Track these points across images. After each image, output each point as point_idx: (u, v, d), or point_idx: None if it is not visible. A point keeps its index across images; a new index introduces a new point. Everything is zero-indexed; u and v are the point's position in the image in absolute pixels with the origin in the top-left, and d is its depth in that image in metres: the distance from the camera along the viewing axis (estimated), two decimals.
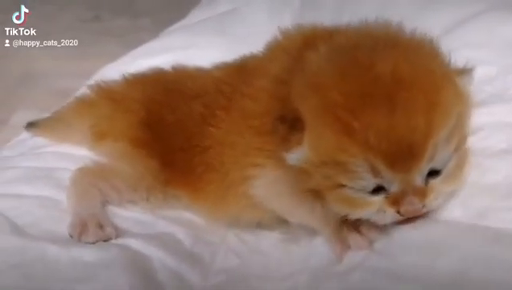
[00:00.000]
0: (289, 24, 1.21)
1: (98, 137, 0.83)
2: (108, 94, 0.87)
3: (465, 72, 0.59)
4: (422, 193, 0.53)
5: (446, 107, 0.52)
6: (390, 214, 0.55)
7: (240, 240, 0.74)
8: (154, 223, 0.73)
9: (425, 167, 0.52)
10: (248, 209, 0.70)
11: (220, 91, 0.74)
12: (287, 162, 0.59)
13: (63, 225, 0.68)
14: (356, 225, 0.59)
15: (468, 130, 0.58)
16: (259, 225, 0.74)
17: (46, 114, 0.97)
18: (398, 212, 0.54)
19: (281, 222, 0.72)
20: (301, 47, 0.65)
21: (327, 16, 1.13)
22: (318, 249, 0.66)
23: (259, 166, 0.65)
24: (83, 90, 1.01)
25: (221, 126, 0.71)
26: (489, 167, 0.60)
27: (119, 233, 0.68)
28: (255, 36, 1.20)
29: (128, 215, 0.74)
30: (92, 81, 1.08)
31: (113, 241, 0.66)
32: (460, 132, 0.54)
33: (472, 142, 0.62)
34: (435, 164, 0.53)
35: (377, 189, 0.54)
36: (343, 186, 0.54)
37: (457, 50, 0.68)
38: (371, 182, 0.53)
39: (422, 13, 0.90)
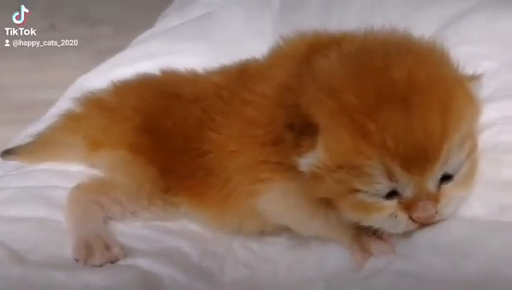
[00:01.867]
0: (269, 26, 1.24)
1: (94, 147, 0.79)
2: (99, 104, 0.84)
3: (474, 78, 0.60)
4: (434, 198, 0.53)
5: (460, 111, 0.53)
6: (402, 220, 0.54)
7: (246, 249, 0.72)
8: (158, 238, 0.71)
9: (439, 171, 0.52)
10: (249, 217, 0.69)
11: (219, 96, 0.73)
12: (299, 168, 0.57)
13: (65, 248, 0.65)
14: (375, 232, 0.58)
15: (478, 137, 0.58)
16: (263, 233, 0.73)
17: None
18: (411, 218, 0.54)
19: (285, 229, 0.70)
20: (306, 53, 0.65)
21: (311, 18, 1.13)
22: (332, 254, 0.64)
23: (266, 180, 0.64)
24: (63, 104, 0.97)
25: (221, 132, 0.70)
26: (506, 163, 0.60)
27: (126, 252, 0.65)
28: (235, 40, 1.21)
29: (130, 231, 0.71)
30: (69, 93, 1.06)
31: (121, 262, 0.64)
32: (471, 138, 0.55)
33: (486, 137, 0.62)
34: (449, 169, 0.53)
35: (391, 194, 0.54)
36: (356, 191, 0.54)
37: (456, 46, 0.67)
38: (386, 186, 0.53)
39: (413, 11, 0.90)
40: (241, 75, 0.74)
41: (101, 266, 0.62)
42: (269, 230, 0.72)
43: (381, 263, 0.57)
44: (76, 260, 0.63)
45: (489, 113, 0.64)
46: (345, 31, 0.68)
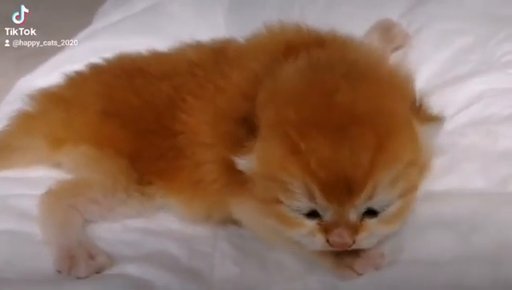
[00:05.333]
0: (221, 20, 1.20)
1: (55, 144, 0.74)
2: (54, 97, 0.78)
3: (436, 119, 0.57)
4: (354, 229, 0.52)
5: (395, 152, 0.51)
6: (319, 241, 0.53)
7: (231, 245, 0.69)
8: (142, 241, 0.66)
9: (361, 205, 0.51)
10: (218, 207, 0.67)
11: (192, 74, 0.70)
12: (236, 166, 0.57)
13: (42, 261, 0.59)
14: (356, 252, 0.56)
15: (420, 182, 0.56)
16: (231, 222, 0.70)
17: None
18: (328, 241, 0.53)
19: None
20: (284, 50, 0.64)
21: (266, 11, 1.10)
22: None
23: (236, 193, 0.62)
24: (6, 108, 0.89)
25: (193, 114, 0.67)
26: (500, 134, 0.60)
27: (111, 259, 0.60)
28: (185, 33, 1.16)
29: (111, 237, 0.66)
30: (12, 97, 0.98)
31: (108, 271, 0.58)
32: (407, 180, 0.53)
33: (476, 111, 0.62)
34: (373, 205, 0.52)
35: (312, 213, 0.53)
36: (280, 202, 0.54)
37: (428, 25, 0.67)
38: (306, 205, 0.52)
39: None
40: (218, 56, 0.71)
41: (86, 277, 0.57)
42: (233, 220, 0.69)
43: (389, 255, 0.55)
44: (59, 272, 0.58)
45: (475, 87, 0.64)
46: (329, 31, 0.67)
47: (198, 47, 0.77)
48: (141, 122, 0.70)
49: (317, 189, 0.50)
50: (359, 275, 0.55)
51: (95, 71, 0.80)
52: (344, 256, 0.56)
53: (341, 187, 0.50)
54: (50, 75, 0.97)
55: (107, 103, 0.73)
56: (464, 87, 0.66)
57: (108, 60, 0.81)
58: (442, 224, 0.55)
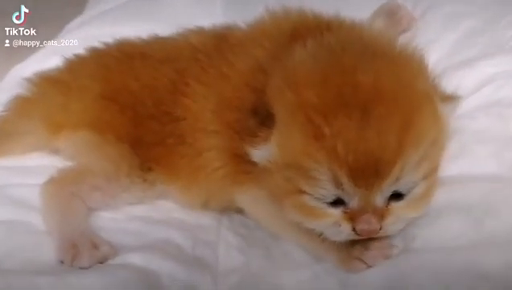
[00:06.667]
0: (218, 5, 1.17)
1: (54, 129, 0.72)
2: (53, 80, 0.76)
3: (451, 99, 0.56)
4: (381, 214, 0.50)
5: (421, 130, 0.50)
6: (344, 230, 0.51)
7: (236, 234, 0.68)
8: (145, 231, 0.65)
9: (388, 188, 0.50)
10: (218, 195, 0.66)
11: (195, 59, 0.68)
12: (251, 158, 0.55)
13: (44, 251, 0.58)
14: (364, 244, 0.54)
15: (440, 161, 0.55)
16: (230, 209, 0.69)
17: None
18: (354, 229, 0.51)
19: None
20: (288, 36, 0.62)
21: None
22: None
23: (240, 183, 0.61)
24: (1, 95, 0.87)
25: (196, 100, 0.65)
26: None
27: (115, 249, 0.58)
28: (182, 19, 1.13)
29: (114, 226, 0.65)
30: (6, 84, 0.95)
31: (111, 261, 0.57)
32: (431, 160, 0.52)
33: (487, 93, 0.60)
34: (400, 187, 0.50)
35: (337, 202, 0.51)
36: (302, 192, 0.52)
37: (434, 6, 0.66)
38: (331, 193, 0.50)
39: None
40: (221, 41, 0.69)
41: (89, 267, 0.55)
42: (235, 208, 0.68)
43: (401, 243, 0.54)
44: (62, 262, 0.56)
45: (485, 70, 0.63)
46: (333, 15, 0.66)
47: (200, 32, 0.75)
48: (141, 107, 0.69)
49: (345, 174, 0.48)
50: (369, 267, 0.53)
51: (95, 54, 0.78)
52: (352, 249, 0.54)
53: (369, 170, 0.48)
54: (45, 62, 0.94)
55: (106, 87, 0.71)
56: (474, 70, 0.65)
57: (108, 44, 0.79)
58: (454, 209, 0.54)
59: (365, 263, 0.53)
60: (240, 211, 0.68)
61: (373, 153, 0.47)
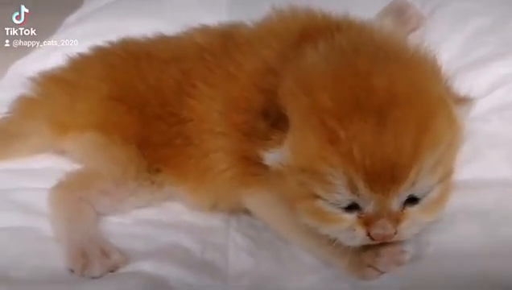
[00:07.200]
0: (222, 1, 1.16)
1: (60, 130, 0.71)
2: (57, 80, 0.75)
3: (465, 101, 0.56)
4: (396, 219, 0.50)
5: (437, 133, 0.49)
6: (359, 235, 0.51)
7: (245, 236, 0.68)
8: (154, 235, 0.64)
9: (404, 193, 0.49)
10: (227, 197, 0.66)
11: (201, 59, 0.68)
12: (263, 161, 0.54)
13: (52, 258, 0.57)
14: (375, 250, 0.54)
15: (454, 164, 0.54)
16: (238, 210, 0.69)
17: None
18: (369, 234, 0.50)
19: None
20: (298, 36, 0.61)
21: None
22: None
23: (248, 184, 0.61)
24: (2, 94, 0.85)
25: (202, 101, 0.64)
26: None
27: (125, 256, 0.58)
28: (184, 14, 1.12)
29: (123, 231, 0.64)
30: (7, 82, 0.95)
31: (122, 269, 0.56)
32: (446, 164, 0.51)
33: (500, 95, 0.60)
34: (416, 192, 0.50)
35: (351, 207, 0.50)
36: (316, 197, 0.51)
37: (443, 4, 0.65)
38: (347, 198, 0.50)
39: None
40: (227, 40, 0.68)
41: (100, 276, 0.54)
42: (243, 208, 0.67)
43: (415, 249, 0.54)
44: (72, 271, 0.55)
45: (497, 71, 0.62)
46: (343, 16, 0.65)
47: (205, 31, 0.74)
48: (147, 108, 0.68)
49: (361, 179, 0.47)
50: (382, 273, 0.53)
51: (99, 53, 0.77)
52: (364, 255, 0.54)
53: (386, 174, 0.47)
54: (46, 58, 0.94)
55: (113, 87, 0.70)
56: (486, 71, 0.64)
57: (112, 43, 0.78)
58: (468, 215, 0.53)
59: (378, 269, 0.53)
60: (248, 212, 0.67)
61: (389, 157, 0.47)
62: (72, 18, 1.22)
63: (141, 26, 1.00)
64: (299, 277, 0.59)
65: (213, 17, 1.02)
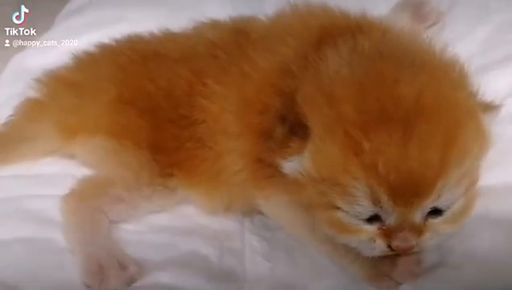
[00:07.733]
0: None
1: (68, 134, 0.69)
2: (64, 81, 0.72)
3: (491, 108, 0.54)
4: (418, 231, 0.49)
5: (464, 147, 0.48)
6: (379, 246, 0.50)
7: (260, 238, 0.66)
8: (170, 243, 0.62)
9: (428, 206, 0.48)
10: (241, 198, 0.64)
11: (213, 56, 0.65)
12: (281, 169, 0.53)
13: (66, 270, 0.56)
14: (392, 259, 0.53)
15: (480, 173, 0.53)
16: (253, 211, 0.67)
17: None
18: (389, 246, 0.49)
19: None
20: (318, 36, 0.59)
21: None
22: None
23: (262, 188, 0.59)
24: (4, 89, 0.84)
25: (215, 101, 0.63)
26: None
27: (142, 268, 0.57)
28: (188, 5, 1.09)
29: (138, 239, 0.63)
30: (8, 76, 0.92)
31: (140, 281, 0.55)
32: (472, 174, 0.50)
33: None
34: (440, 204, 0.49)
35: (372, 218, 0.50)
36: (337, 208, 0.50)
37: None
38: (368, 210, 0.49)
39: None
40: (240, 36, 0.66)
41: None
42: (257, 209, 0.66)
43: (435, 257, 0.53)
44: (88, 287, 0.54)
45: None
46: (361, 15, 0.62)
47: (216, 26, 0.71)
48: (158, 111, 0.66)
49: (384, 192, 0.46)
50: (399, 284, 0.52)
51: (106, 53, 0.74)
52: (381, 264, 0.53)
53: (410, 188, 0.46)
54: (48, 51, 0.92)
55: (122, 90, 0.68)
56: (509, 70, 0.62)
57: (118, 41, 0.75)
58: (491, 223, 0.52)
59: (395, 280, 0.52)
60: (261, 211, 0.65)
61: (414, 172, 0.46)
62: (73, 3, 1.19)
63: (142, 16, 0.99)
64: (316, 282, 0.58)
65: (217, 5, 1.01)
